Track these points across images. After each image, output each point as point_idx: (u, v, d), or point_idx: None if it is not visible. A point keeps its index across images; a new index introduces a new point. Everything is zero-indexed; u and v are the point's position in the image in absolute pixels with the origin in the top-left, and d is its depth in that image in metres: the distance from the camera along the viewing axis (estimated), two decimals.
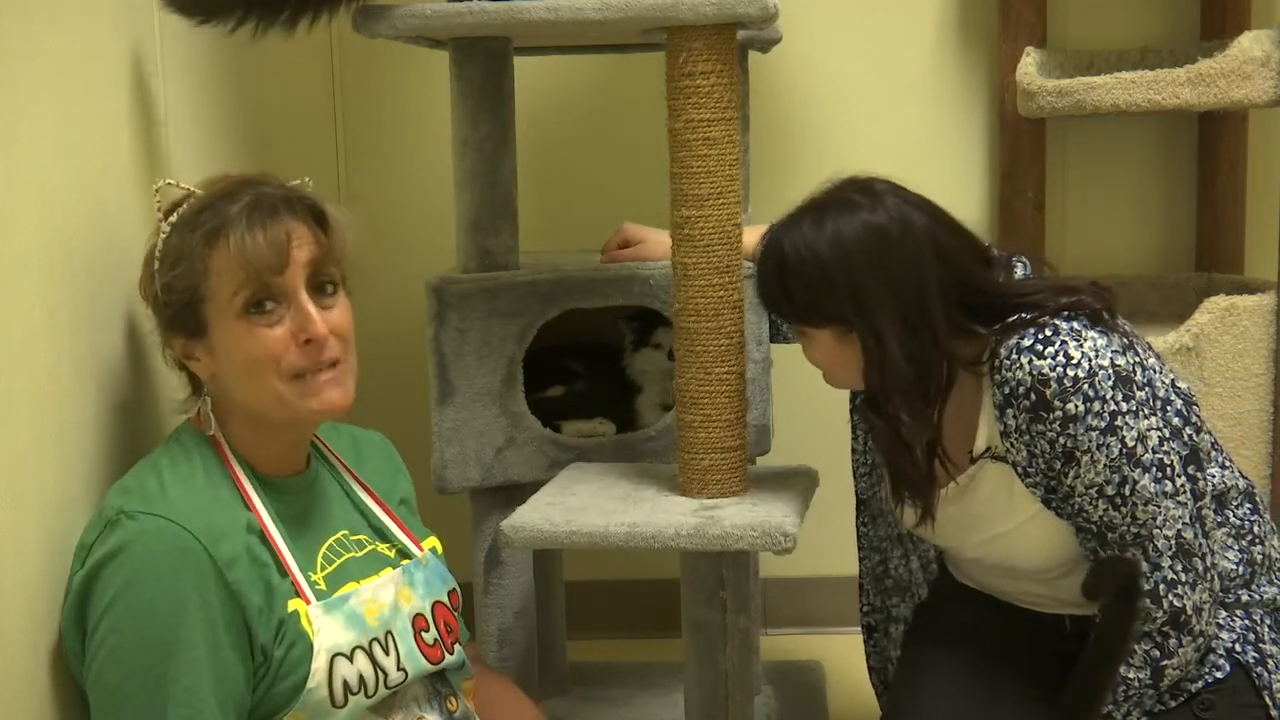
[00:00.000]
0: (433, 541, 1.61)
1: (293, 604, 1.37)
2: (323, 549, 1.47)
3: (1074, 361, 1.48)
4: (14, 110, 1.31)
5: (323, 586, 1.42)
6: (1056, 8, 2.51)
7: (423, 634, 1.49)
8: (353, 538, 1.51)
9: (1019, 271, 1.68)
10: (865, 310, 1.52)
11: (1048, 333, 1.50)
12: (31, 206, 1.34)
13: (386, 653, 1.43)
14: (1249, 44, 2.13)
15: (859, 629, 1.93)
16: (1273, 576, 1.63)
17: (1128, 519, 1.50)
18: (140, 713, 1.29)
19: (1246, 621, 1.59)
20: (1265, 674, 1.55)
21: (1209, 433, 1.64)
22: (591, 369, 2.12)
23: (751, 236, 1.69)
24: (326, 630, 1.38)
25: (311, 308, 1.40)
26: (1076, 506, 1.52)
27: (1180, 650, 1.51)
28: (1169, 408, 1.57)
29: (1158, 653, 1.52)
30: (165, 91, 1.79)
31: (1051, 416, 1.49)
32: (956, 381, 1.57)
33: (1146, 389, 1.53)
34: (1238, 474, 1.66)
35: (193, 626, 1.29)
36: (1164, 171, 2.58)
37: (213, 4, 1.63)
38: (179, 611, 1.29)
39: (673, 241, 1.67)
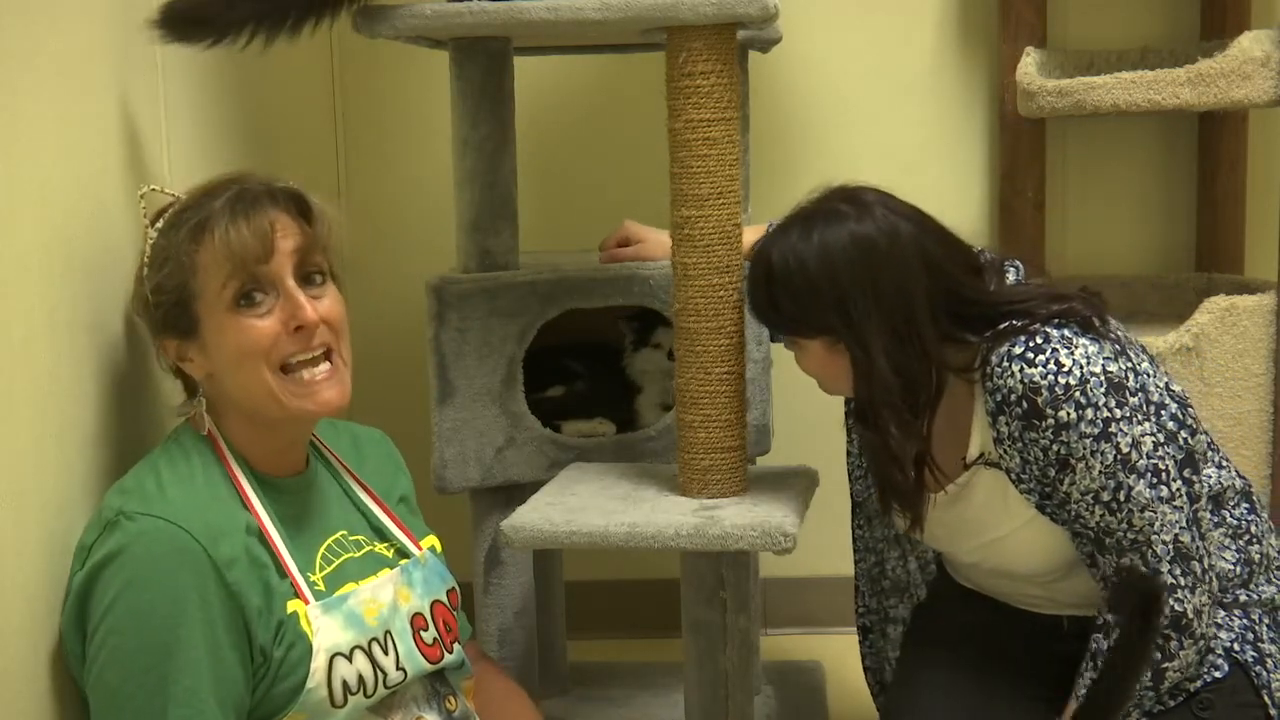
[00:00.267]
0: (431, 540, 1.61)
1: (292, 605, 1.37)
2: (321, 549, 1.47)
3: (1065, 369, 1.48)
4: (14, 110, 1.31)
5: (321, 587, 1.42)
6: (1056, 8, 2.51)
7: (421, 633, 1.49)
8: (351, 538, 1.51)
9: (1011, 276, 1.67)
10: (852, 322, 1.52)
11: (1039, 340, 1.50)
12: (31, 206, 1.34)
13: (385, 652, 1.43)
14: (1249, 44, 2.13)
15: None
16: (1271, 576, 1.63)
17: (1124, 524, 1.50)
18: (140, 713, 1.29)
19: (1245, 621, 1.59)
20: (1264, 673, 1.55)
21: (1205, 433, 1.64)
22: (591, 369, 2.12)
23: (751, 236, 1.69)
24: (325, 630, 1.38)
25: (300, 295, 1.40)
26: (1073, 513, 1.52)
27: (1181, 653, 1.51)
28: (1163, 412, 1.57)
29: (1159, 655, 1.52)
30: (165, 91, 1.79)
31: (1044, 424, 1.49)
32: (948, 389, 1.57)
33: (1139, 394, 1.53)
34: (1235, 474, 1.66)
35: (192, 627, 1.29)
36: (1164, 171, 2.58)
37: (220, 26, 1.62)
38: (179, 612, 1.29)
39: (673, 241, 1.67)
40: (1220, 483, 1.63)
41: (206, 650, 1.30)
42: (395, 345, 2.50)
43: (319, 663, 1.37)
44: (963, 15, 2.56)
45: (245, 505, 1.40)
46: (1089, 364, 1.49)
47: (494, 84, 1.92)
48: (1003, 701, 1.71)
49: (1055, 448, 1.49)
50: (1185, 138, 2.56)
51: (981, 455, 1.59)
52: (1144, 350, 1.64)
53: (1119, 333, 1.59)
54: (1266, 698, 1.55)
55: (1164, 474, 1.51)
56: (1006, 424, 1.51)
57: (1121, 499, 1.49)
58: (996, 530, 1.63)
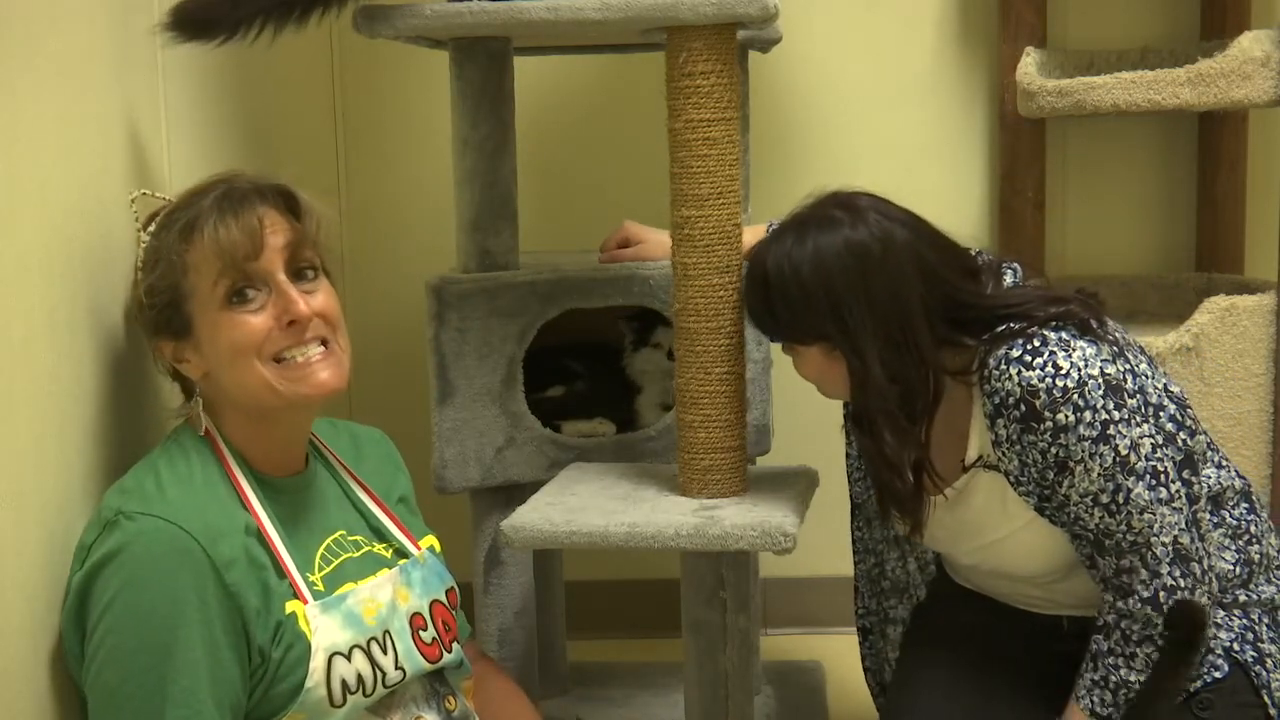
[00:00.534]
0: (431, 540, 1.61)
1: (290, 605, 1.37)
2: (320, 549, 1.47)
3: (1063, 372, 1.48)
4: (14, 110, 1.31)
5: (320, 587, 1.42)
6: (1056, 8, 2.51)
7: (420, 633, 1.49)
8: (350, 538, 1.51)
9: (1008, 279, 1.67)
10: (847, 329, 1.52)
11: (1036, 343, 1.50)
12: (31, 206, 1.34)
13: (384, 652, 1.43)
14: (1249, 44, 2.13)
15: None
16: (1270, 575, 1.63)
17: (1124, 526, 1.50)
18: (138, 714, 1.29)
19: (1245, 621, 1.59)
20: (1263, 673, 1.55)
21: (1204, 434, 1.64)
22: (591, 369, 2.12)
23: (751, 236, 1.69)
24: (324, 630, 1.38)
25: (292, 289, 1.40)
26: (1072, 515, 1.52)
27: None
28: (1161, 413, 1.57)
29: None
30: (165, 91, 1.79)
31: (1042, 427, 1.48)
32: (945, 393, 1.57)
33: (1138, 396, 1.53)
34: (1234, 474, 1.66)
35: (191, 627, 1.29)
36: (1164, 171, 2.58)
37: (229, 23, 1.62)
38: (177, 613, 1.29)
39: (673, 241, 1.67)
40: (1219, 483, 1.63)
41: (205, 651, 1.30)
42: (395, 345, 2.50)
43: (318, 662, 1.37)
44: (963, 15, 2.56)
45: (244, 505, 1.40)
46: (1087, 366, 1.49)
47: (494, 84, 1.92)
48: (1002, 702, 1.71)
49: (1054, 450, 1.49)
50: (1185, 138, 2.56)
51: (980, 458, 1.59)
52: (1142, 351, 1.64)
53: (1117, 334, 1.58)
54: (1266, 697, 1.55)
55: (1163, 476, 1.51)
56: (1005, 427, 1.51)
57: (1120, 501, 1.49)
58: (995, 532, 1.63)
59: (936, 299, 1.54)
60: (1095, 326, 1.55)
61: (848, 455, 1.82)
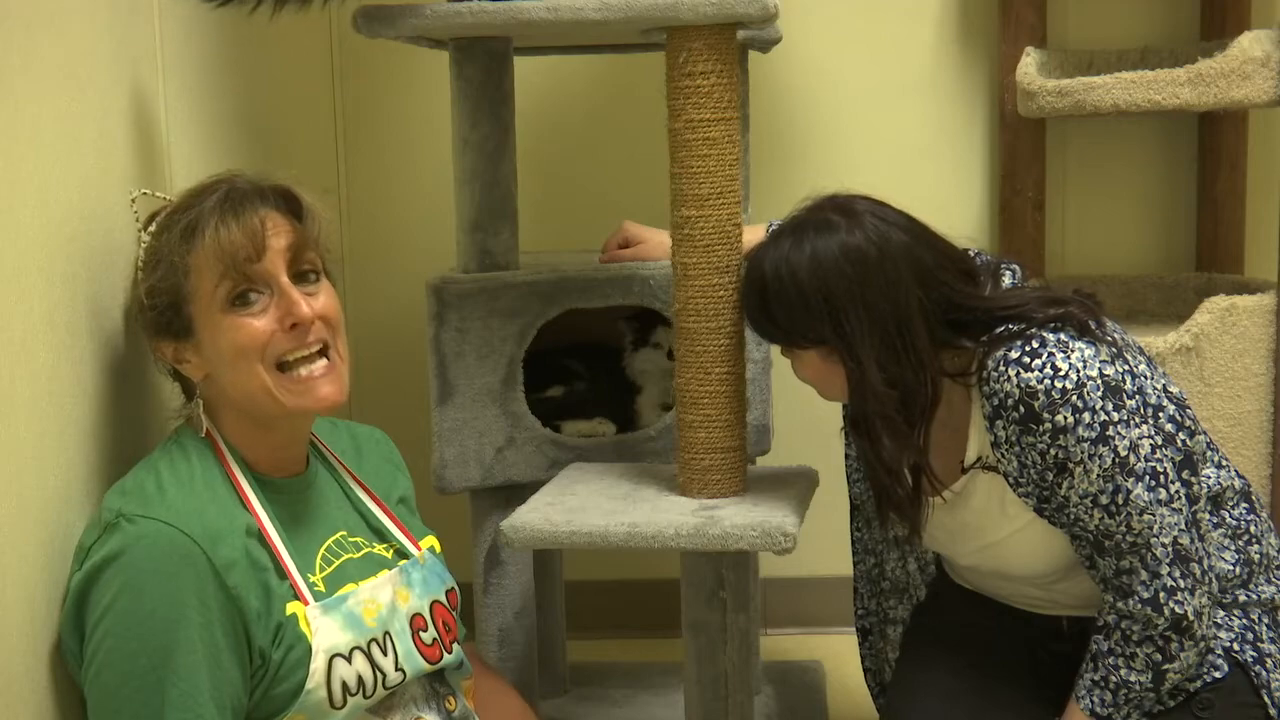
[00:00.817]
0: (431, 540, 1.61)
1: (291, 607, 1.37)
2: (321, 550, 1.47)
3: (1062, 373, 1.48)
4: (14, 110, 1.31)
5: (321, 588, 1.42)
6: (1056, 8, 2.51)
7: (421, 634, 1.49)
8: (350, 539, 1.51)
9: (1007, 279, 1.67)
10: (845, 334, 1.52)
11: (1034, 345, 1.50)
12: (31, 206, 1.34)
13: (384, 653, 1.43)
14: (1249, 44, 2.13)
15: None
16: (1270, 575, 1.63)
17: (1123, 527, 1.50)
18: (138, 716, 1.29)
19: (1244, 621, 1.59)
20: (1263, 673, 1.55)
21: (1204, 434, 1.64)
22: (591, 369, 2.12)
23: (751, 236, 1.69)
24: (325, 631, 1.38)
25: (294, 292, 1.40)
26: (1072, 516, 1.52)
27: (1182, 654, 1.51)
28: (1161, 414, 1.57)
29: (1159, 656, 1.52)
30: (165, 91, 1.79)
31: (1041, 428, 1.48)
32: (944, 395, 1.57)
33: (1137, 397, 1.53)
34: (1234, 474, 1.66)
35: (191, 630, 1.29)
36: (1164, 171, 2.58)
37: None
38: (177, 615, 1.29)
39: (673, 241, 1.67)
40: (1219, 483, 1.63)
41: (205, 653, 1.30)
42: (395, 345, 2.50)
43: (318, 664, 1.37)
44: (963, 15, 2.56)
45: (245, 506, 1.40)
46: (1085, 367, 1.49)
47: (494, 84, 1.92)
48: (1002, 702, 1.71)
49: (1053, 452, 1.49)
50: (1185, 138, 2.56)
51: (979, 459, 1.59)
52: (1142, 352, 1.64)
53: (1116, 335, 1.58)
54: (1266, 697, 1.55)
55: (1162, 476, 1.51)
56: (1004, 428, 1.51)
57: (1120, 502, 1.49)
58: (995, 534, 1.63)
59: (934, 301, 1.54)
60: (1094, 328, 1.54)
61: (847, 456, 1.82)
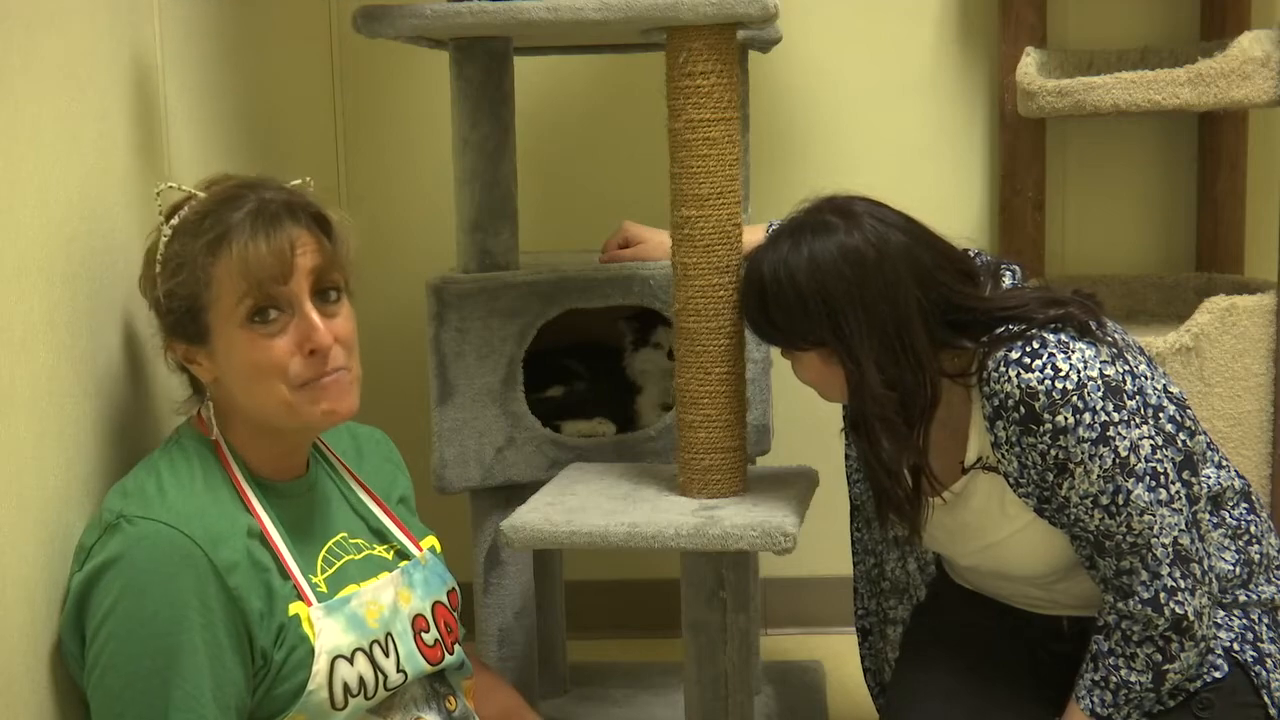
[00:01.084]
0: (431, 541, 1.61)
1: (294, 607, 1.37)
2: (322, 552, 1.47)
3: (1062, 374, 1.48)
4: (14, 110, 1.31)
5: (324, 589, 1.42)
6: (1056, 8, 2.51)
7: (423, 634, 1.48)
8: (351, 541, 1.51)
9: (1008, 280, 1.67)
10: (844, 336, 1.52)
11: (1035, 345, 1.50)
12: (31, 206, 1.34)
13: (386, 654, 1.43)
14: (1249, 44, 2.13)
15: None
16: (1270, 575, 1.63)
17: (1124, 528, 1.50)
18: (142, 718, 1.29)
19: (1244, 621, 1.59)
20: (1264, 673, 1.55)
21: (1204, 434, 1.64)
22: (591, 369, 2.12)
23: (751, 236, 1.69)
24: (327, 632, 1.38)
25: (316, 317, 1.38)
26: (1072, 516, 1.52)
27: (1183, 655, 1.51)
28: (1161, 414, 1.57)
29: (1160, 657, 1.52)
30: (165, 91, 1.79)
31: (1041, 429, 1.48)
32: (944, 395, 1.56)
33: (1137, 398, 1.53)
34: (1234, 474, 1.66)
35: (193, 632, 1.29)
36: (1164, 171, 2.58)
37: None
38: (179, 617, 1.29)
39: (673, 241, 1.67)
40: (1219, 483, 1.63)
41: (207, 655, 1.30)
42: (395, 345, 2.50)
43: (320, 665, 1.37)
44: (963, 15, 2.56)
45: (246, 508, 1.39)
46: (1086, 368, 1.49)
47: (494, 84, 1.92)
48: (1002, 702, 1.70)
49: (1053, 452, 1.49)
50: (1185, 138, 2.56)
51: (979, 460, 1.59)
52: (1142, 352, 1.64)
53: (1116, 335, 1.58)
54: (1266, 697, 1.55)
55: (1163, 477, 1.51)
56: (1004, 429, 1.51)
57: (1120, 503, 1.49)
58: (995, 534, 1.63)
59: (933, 302, 1.53)
60: (1094, 328, 1.54)
61: (847, 457, 1.82)
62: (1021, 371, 1.49)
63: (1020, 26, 2.45)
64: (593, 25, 1.71)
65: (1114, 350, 1.54)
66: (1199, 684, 1.55)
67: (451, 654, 1.52)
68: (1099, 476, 1.48)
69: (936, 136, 2.58)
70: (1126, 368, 1.54)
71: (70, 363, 1.41)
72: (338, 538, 1.50)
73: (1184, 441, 1.58)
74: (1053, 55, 2.43)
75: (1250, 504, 1.65)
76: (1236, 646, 1.56)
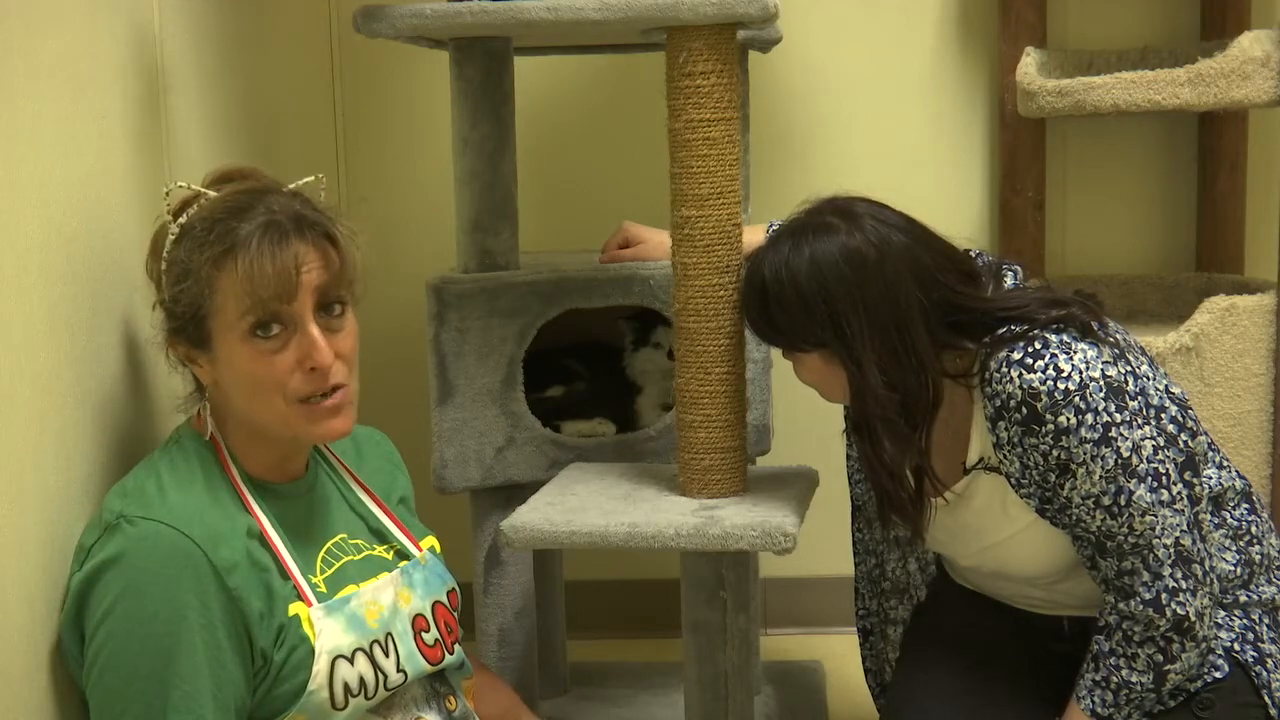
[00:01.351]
0: (431, 541, 1.61)
1: (294, 608, 1.37)
2: (322, 552, 1.47)
3: (1064, 374, 1.48)
4: (14, 110, 1.31)
5: (323, 590, 1.42)
6: (1056, 8, 2.51)
7: (423, 634, 1.49)
8: (351, 541, 1.51)
9: (1009, 280, 1.67)
10: (845, 337, 1.52)
11: (1037, 346, 1.50)
12: (31, 206, 1.34)
13: (386, 654, 1.43)
14: (1249, 44, 2.13)
15: None
16: (1271, 576, 1.63)
17: (1125, 528, 1.50)
18: (141, 718, 1.29)
19: (1245, 621, 1.59)
20: (1264, 673, 1.55)
21: (1205, 434, 1.64)
22: (591, 369, 2.12)
23: (751, 236, 1.69)
24: (327, 632, 1.38)
25: (317, 334, 1.38)
26: (1074, 517, 1.52)
27: (1183, 655, 1.51)
28: (1163, 415, 1.57)
29: (1160, 657, 1.52)
30: (165, 91, 1.79)
31: (1044, 430, 1.48)
32: (945, 396, 1.56)
33: (1139, 398, 1.53)
34: (1235, 474, 1.66)
35: (192, 632, 1.29)
36: (1164, 171, 2.58)
37: None
38: (178, 617, 1.29)
39: (673, 241, 1.67)
40: (1220, 484, 1.63)
41: (206, 655, 1.30)
42: (395, 345, 2.50)
43: (320, 665, 1.37)
44: (963, 15, 2.56)
45: (246, 508, 1.39)
46: (1088, 369, 1.48)
47: (494, 84, 1.92)
48: (1003, 702, 1.70)
49: (1055, 453, 1.49)
50: (1185, 138, 2.56)
51: (981, 460, 1.59)
52: (1143, 352, 1.64)
53: (1118, 336, 1.58)
54: (1266, 698, 1.55)
55: (1164, 478, 1.51)
56: (1006, 429, 1.51)
57: (1122, 503, 1.49)
58: (996, 535, 1.63)
59: (935, 303, 1.53)
60: (1096, 329, 1.54)
61: (848, 457, 1.82)
62: (1024, 372, 1.49)
63: (1020, 26, 2.45)
64: (593, 25, 1.71)
65: (1116, 351, 1.54)
66: (1199, 684, 1.55)
67: (451, 654, 1.52)
68: (1101, 477, 1.48)
69: (936, 136, 2.58)
70: (1128, 368, 1.54)
71: (70, 363, 1.41)
72: (337, 538, 1.50)
73: (1186, 442, 1.58)
74: (1053, 55, 2.43)
75: (1251, 504, 1.65)
76: (1237, 647, 1.56)
